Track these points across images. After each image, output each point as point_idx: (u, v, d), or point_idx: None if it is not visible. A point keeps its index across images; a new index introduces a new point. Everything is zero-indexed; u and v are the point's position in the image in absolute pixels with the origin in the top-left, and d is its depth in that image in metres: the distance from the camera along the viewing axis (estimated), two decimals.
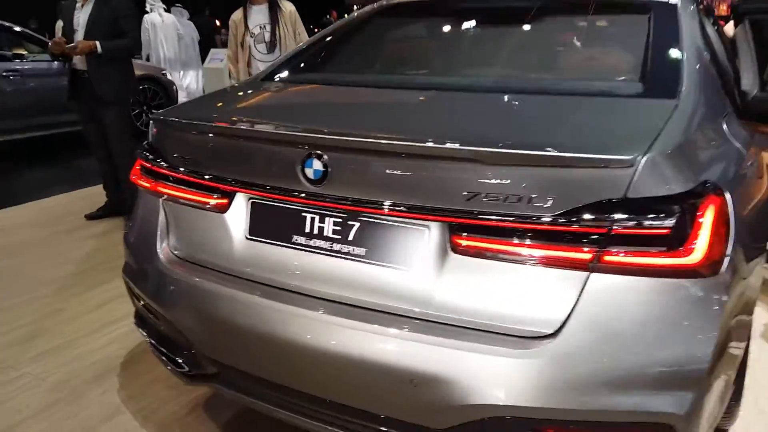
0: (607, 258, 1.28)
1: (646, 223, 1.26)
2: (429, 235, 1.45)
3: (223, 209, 1.75)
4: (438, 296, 1.44)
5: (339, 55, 2.60)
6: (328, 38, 2.66)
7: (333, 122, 1.67)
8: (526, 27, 2.35)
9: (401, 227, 1.49)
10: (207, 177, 1.76)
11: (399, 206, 1.45)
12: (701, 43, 1.93)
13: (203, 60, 8.02)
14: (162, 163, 1.88)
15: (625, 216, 1.26)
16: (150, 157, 1.92)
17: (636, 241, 1.27)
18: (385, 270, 1.50)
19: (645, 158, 1.26)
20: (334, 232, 1.57)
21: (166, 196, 1.89)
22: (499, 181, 1.34)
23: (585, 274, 1.31)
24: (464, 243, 1.40)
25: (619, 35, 2.19)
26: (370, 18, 2.71)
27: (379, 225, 1.52)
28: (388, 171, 1.46)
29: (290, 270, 1.63)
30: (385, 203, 1.47)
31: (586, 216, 1.28)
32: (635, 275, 1.29)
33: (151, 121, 1.98)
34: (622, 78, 1.93)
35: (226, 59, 6.79)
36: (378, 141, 1.45)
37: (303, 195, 1.57)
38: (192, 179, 1.79)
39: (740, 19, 2.17)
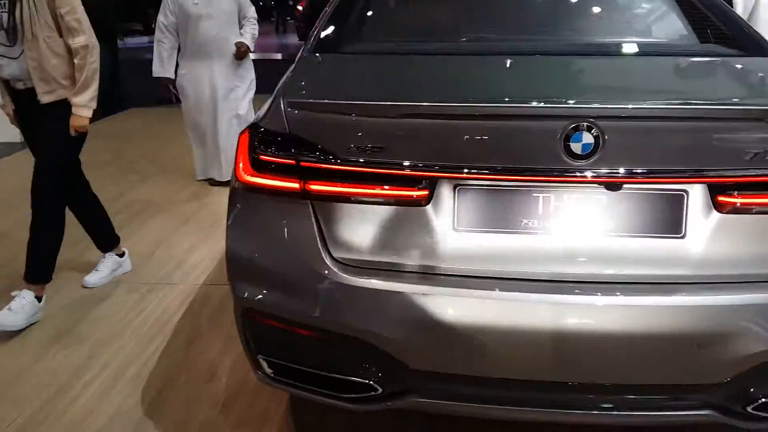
0: None
1: None
2: (691, 198, 1.47)
3: (421, 202, 1.53)
4: (710, 256, 1.48)
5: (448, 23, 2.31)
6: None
7: (592, 91, 1.61)
8: None
9: (662, 194, 1.49)
10: (400, 167, 1.51)
11: (668, 173, 1.46)
12: None
13: None
14: (317, 157, 1.56)
15: None
16: (293, 151, 1.58)
17: None
18: (648, 240, 1.49)
19: None
20: (579, 210, 1.50)
21: (317, 195, 1.58)
22: None
23: None
24: (733, 201, 1.46)
25: None
26: None
27: (636, 195, 1.49)
28: (658, 138, 1.47)
29: (524, 258, 1.51)
30: (654, 171, 1.46)
31: None
32: None
33: (287, 107, 1.62)
34: (712, 38, 2.10)
35: None
36: (662, 107, 1.49)
37: (557, 173, 1.46)
38: (375, 171, 1.52)
39: None
